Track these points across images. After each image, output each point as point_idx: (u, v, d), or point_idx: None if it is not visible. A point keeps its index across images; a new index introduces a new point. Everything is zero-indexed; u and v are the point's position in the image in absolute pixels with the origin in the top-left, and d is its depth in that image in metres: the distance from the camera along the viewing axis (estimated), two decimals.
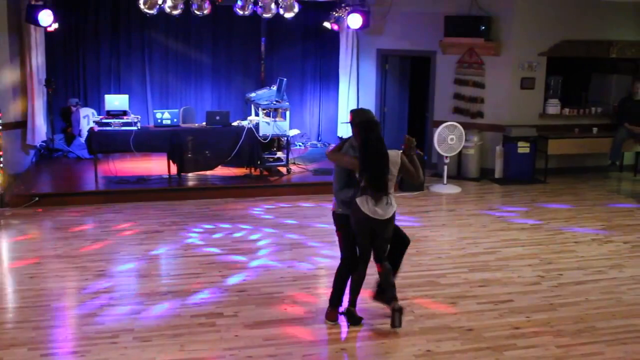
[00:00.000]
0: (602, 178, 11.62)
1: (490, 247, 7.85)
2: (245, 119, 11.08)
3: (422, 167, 6.05)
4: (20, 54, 11.10)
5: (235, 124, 10.62)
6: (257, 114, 10.83)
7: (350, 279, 5.69)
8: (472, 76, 11.49)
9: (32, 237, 8.10)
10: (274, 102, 10.62)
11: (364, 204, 5.39)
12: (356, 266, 5.62)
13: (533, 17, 11.20)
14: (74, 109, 11.78)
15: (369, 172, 5.36)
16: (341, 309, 5.78)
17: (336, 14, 11.88)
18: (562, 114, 11.55)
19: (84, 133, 11.21)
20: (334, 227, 5.63)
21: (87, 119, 11.56)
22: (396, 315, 5.51)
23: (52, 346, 5.30)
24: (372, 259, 5.67)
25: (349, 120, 5.63)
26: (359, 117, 5.51)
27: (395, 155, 5.48)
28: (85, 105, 12.04)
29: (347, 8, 11.70)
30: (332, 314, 5.74)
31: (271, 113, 10.57)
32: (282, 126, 10.46)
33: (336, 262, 5.49)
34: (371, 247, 5.58)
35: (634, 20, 11.65)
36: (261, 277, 6.78)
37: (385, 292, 5.67)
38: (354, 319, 5.71)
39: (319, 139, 13.35)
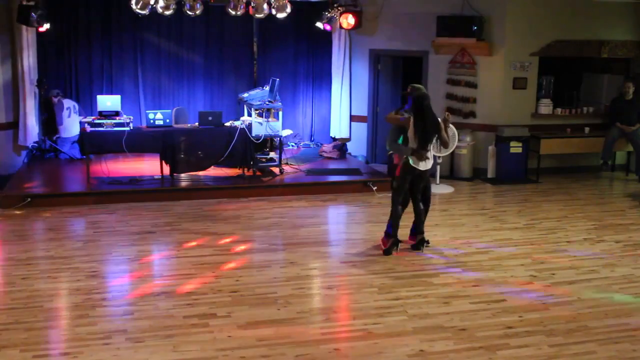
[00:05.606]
0: (594, 178, 11.66)
1: (483, 246, 7.86)
2: (237, 119, 11.07)
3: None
4: (11, 55, 11.06)
5: (227, 124, 10.61)
6: (249, 115, 10.81)
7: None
8: (465, 76, 11.51)
9: (24, 238, 8.07)
10: (267, 103, 10.61)
11: (414, 161, 7.11)
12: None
13: (525, 17, 11.23)
14: (55, 99, 11.58)
15: (421, 133, 7.03)
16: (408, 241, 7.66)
17: (329, 14, 11.87)
18: (554, 114, 11.59)
19: (66, 124, 11.19)
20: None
21: (69, 110, 11.45)
22: (421, 243, 7.55)
23: (45, 347, 5.28)
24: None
25: (408, 91, 7.28)
26: (417, 91, 7.22)
27: (439, 122, 7.16)
28: (77, 102, 11.94)
29: (339, 8, 11.71)
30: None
31: (264, 113, 10.56)
32: (275, 126, 10.45)
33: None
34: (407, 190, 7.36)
35: (625, 20, 11.69)
36: (254, 278, 6.77)
37: (418, 226, 7.55)
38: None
39: (312, 139, 13.34)
